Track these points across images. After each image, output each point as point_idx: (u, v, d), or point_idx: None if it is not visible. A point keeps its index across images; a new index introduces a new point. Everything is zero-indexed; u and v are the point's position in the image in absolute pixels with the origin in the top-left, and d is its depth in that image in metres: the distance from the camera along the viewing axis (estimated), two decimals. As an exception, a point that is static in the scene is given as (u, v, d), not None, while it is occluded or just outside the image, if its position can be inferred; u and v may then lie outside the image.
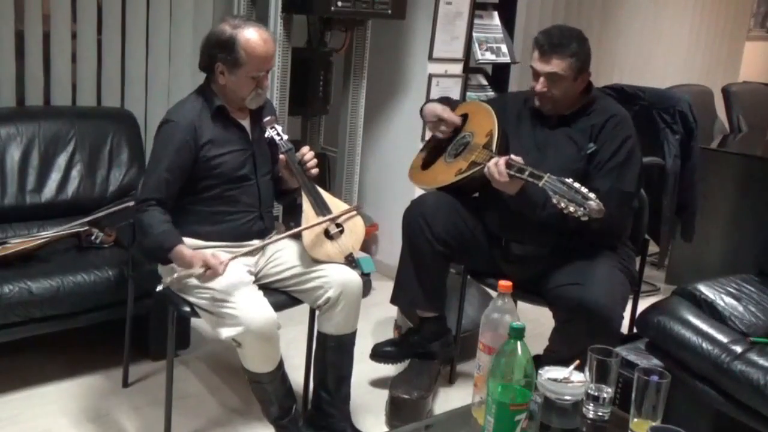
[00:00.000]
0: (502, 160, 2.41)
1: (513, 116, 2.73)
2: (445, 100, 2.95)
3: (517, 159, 2.43)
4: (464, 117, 2.82)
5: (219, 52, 2.36)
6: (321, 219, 2.43)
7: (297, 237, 2.47)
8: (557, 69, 2.50)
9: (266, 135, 2.49)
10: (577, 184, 2.24)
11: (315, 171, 2.48)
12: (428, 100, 2.94)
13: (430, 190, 2.81)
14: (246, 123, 2.50)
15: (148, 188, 2.35)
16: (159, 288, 2.28)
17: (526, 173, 2.35)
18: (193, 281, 2.31)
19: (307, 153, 2.47)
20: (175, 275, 2.27)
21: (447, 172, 2.72)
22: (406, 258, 2.71)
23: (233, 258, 2.34)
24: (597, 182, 2.46)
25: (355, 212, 2.52)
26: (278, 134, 2.48)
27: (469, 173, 2.60)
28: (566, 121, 2.62)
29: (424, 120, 2.88)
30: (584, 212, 2.20)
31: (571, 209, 2.21)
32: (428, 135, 2.97)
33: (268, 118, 2.51)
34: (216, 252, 2.32)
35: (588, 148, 2.54)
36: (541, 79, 2.54)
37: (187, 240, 2.35)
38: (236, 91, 2.40)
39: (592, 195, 2.21)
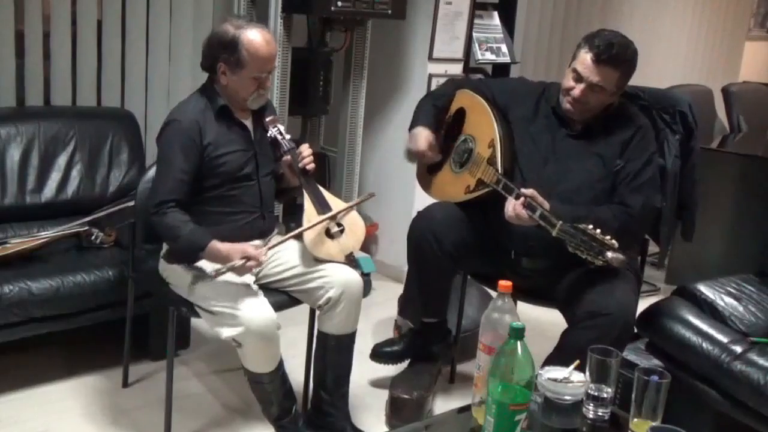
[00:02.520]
0: (519, 205, 2.29)
1: (527, 109, 2.60)
2: (435, 98, 2.83)
3: (529, 194, 2.30)
4: (461, 111, 2.73)
5: (222, 52, 2.36)
6: (323, 216, 2.43)
7: (298, 237, 2.48)
8: (605, 82, 2.38)
9: (269, 134, 2.49)
10: (591, 229, 2.13)
11: (311, 167, 2.48)
12: (418, 110, 2.79)
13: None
14: (248, 123, 2.50)
15: (164, 190, 2.32)
16: (212, 274, 2.27)
17: (537, 213, 2.26)
18: (192, 282, 2.32)
19: (305, 150, 2.48)
20: (215, 269, 2.25)
21: (455, 186, 2.64)
22: (413, 272, 2.67)
23: (271, 247, 2.37)
24: (628, 198, 2.42)
25: (352, 208, 2.53)
26: (281, 134, 2.49)
27: (478, 194, 2.53)
28: (590, 132, 2.51)
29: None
30: (603, 261, 2.10)
31: (590, 259, 2.13)
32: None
33: (270, 118, 2.51)
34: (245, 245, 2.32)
35: (616, 166, 2.46)
36: (583, 85, 2.40)
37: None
38: (238, 92, 2.40)
39: (608, 239, 2.10)
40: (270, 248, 2.38)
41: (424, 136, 2.68)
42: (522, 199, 2.31)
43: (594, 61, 2.38)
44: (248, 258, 2.25)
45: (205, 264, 2.34)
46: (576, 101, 2.45)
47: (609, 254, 2.09)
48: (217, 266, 2.26)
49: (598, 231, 2.13)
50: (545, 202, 2.30)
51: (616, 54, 2.38)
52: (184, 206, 2.33)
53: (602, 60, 2.37)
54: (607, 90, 2.42)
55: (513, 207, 2.32)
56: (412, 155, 2.75)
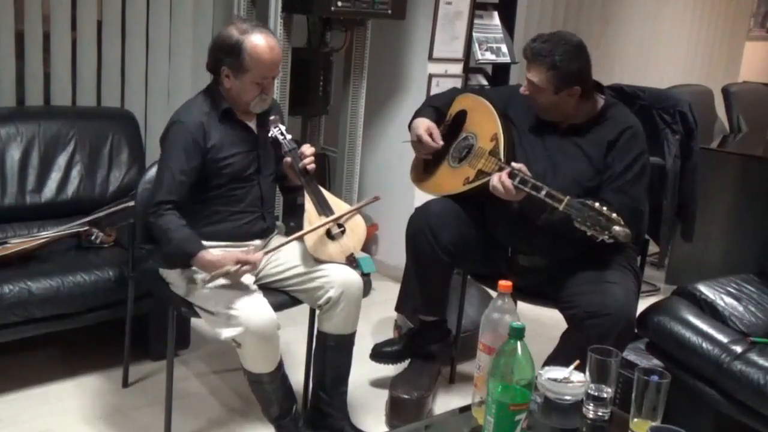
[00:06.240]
0: (504, 175, 2.35)
1: (519, 112, 2.63)
2: (435, 100, 2.86)
3: (519, 167, 2.36)
4: (462, 113, 2.74)
5: (225, 56, 2.35)
6: (325, 220, 2.43)
7: (299, 239, 2.47)
8: (537, 79, 2.43)
9: (270, 134, 2.49)
10: (598, 205, 2.17)
11: (311, 167, 2.48)
12: (419, 111, 2.82)
13: (436, 196, 2.74)
14: (252, 124, 2.50)
15: (162, 191, 2.32)
16: (207, 285, 2.27)
17: (543, 192, 2.28)
18: (195, 280, 2.31)
19: (307, 150, 2.48)
20: (210, 275, 2.24)
21: (453, 179, 2.65)
22: (410, 267, 2.68)
23: (269, 251, 2.38)
24: (608, 197, 2.42)
25: (356, 212, 2.53)
26: (282, 134, 2.48)
27: (478, 183, 2.53)
28: (577, 131, 2.54)
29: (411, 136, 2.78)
30: (609, 236, 2.14)
31: (596, 234, 2.15)
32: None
33: (272, 117, 2.51)
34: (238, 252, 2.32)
35: (602, 165, 2.47)
36: (526, 83, 2.49)
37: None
38: (241, 96, 2.40)
39: (614, 216, 2.14)
40: (268, 252, 2.38)
41: (423, 124, 2.72)
42: (508, 169, 2.35)
43: (525, 59, 2.47)
44: (243, 263, 2.24)
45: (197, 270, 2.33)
46: (527, 98, 2.52)
47: (616, 228, 2.12)
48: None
49: (605, 208, 2.16)
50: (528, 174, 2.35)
51: (536, 50, 2.42)
52: (182, 208, 2.33)
53: (527, 57, 2.45)
54: (543, 88, 2.44)
55: (498, 177, 2.36)
56: (413, 144, 2.76)
